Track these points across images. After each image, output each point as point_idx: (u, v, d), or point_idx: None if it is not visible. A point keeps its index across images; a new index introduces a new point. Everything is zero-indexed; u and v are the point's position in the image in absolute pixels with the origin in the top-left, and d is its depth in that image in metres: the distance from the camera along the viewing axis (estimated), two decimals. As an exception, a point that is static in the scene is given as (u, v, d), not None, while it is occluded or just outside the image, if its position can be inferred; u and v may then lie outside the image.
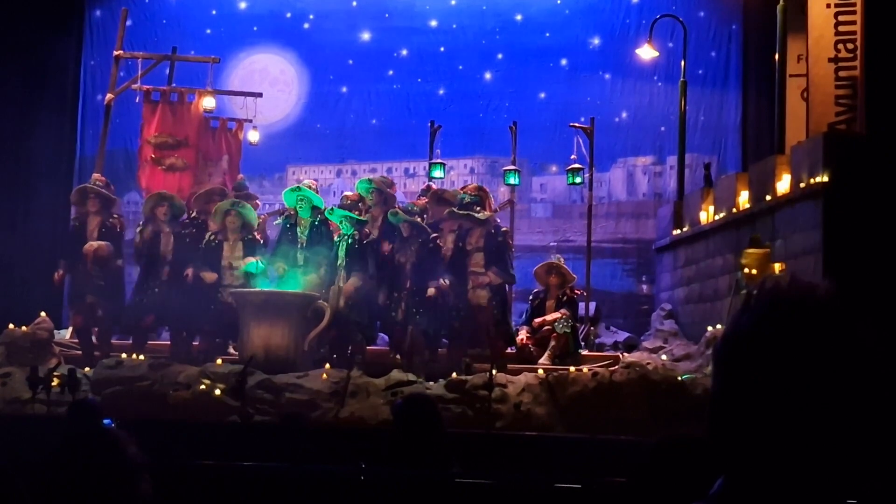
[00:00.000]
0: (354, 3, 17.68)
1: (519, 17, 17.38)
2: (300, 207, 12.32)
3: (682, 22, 15.35)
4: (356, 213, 12.37)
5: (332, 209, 12.42)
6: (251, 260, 12.11)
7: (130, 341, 12.47)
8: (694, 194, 14.26)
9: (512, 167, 14.53)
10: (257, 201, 13.55)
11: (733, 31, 16.65)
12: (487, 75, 17.37)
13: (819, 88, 12.55)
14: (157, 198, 12.61)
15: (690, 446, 2.65)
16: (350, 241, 12.01)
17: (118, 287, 12.58)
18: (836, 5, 12.61)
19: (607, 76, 17.01)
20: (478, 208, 12.21)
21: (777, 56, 13.59)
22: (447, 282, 11.84)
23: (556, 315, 12.43)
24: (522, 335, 12.60)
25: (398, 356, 12.02)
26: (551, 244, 16.33)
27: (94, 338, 12.53)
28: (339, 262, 12.02)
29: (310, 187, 12.67)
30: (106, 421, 7.67)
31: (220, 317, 12.05)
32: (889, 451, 1.43)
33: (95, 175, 14.25)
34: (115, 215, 12.73)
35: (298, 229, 12.29)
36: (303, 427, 6.92)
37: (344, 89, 17.57)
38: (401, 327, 11.95)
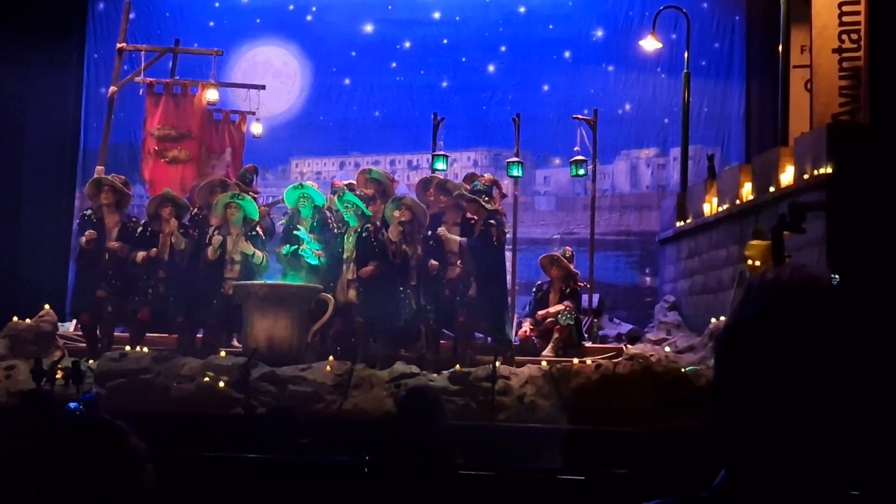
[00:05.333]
0: (357, -5, 17.69)
1: (522, 10, 17.36)
2: (302, 206, 12.28)
3: (685, 13, 15.31)
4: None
5: (343, 193, 12.31)
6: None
7: (128, 334, 12.48)
8: (697, 186, 14.24)
9: (515, 159, 14.49)
10: (254, 194, 13.30)
11: (736, 22, 16.62)
12: (491, 67, 17.34)
13: (823, 79, 12.52)
14: (161, 198, 12.55)
15: (693, 437, 2.65)
16: (365, 233, 11.84)
17: (129, 283, 12.53)
18: (840, -5, 12.58)
19: (611, 68, 16.98)
20: (485, 198, 12.13)
21: (780, 47, 13.56)
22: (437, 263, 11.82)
23: (560, 307, 12.42)
24: (526, 327, 12.61)
25: (402, 349, 12.01)
26: (555, 237, 16.32)
27: (98, 332, 12.51)
28: (346, 254, 11.96)
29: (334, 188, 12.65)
30: (72, 404, 7.53)
31: (223, 310, 12.04)
32: (892, 442, 1.43)
33: (99, 167, 14.25)
34: (134, 218, 12.69)
35: (300, 230, 12.26)
36: (294, 419, 6.92)
37: (347, 81, 17.56)
38: (410, 322, 11.90)
